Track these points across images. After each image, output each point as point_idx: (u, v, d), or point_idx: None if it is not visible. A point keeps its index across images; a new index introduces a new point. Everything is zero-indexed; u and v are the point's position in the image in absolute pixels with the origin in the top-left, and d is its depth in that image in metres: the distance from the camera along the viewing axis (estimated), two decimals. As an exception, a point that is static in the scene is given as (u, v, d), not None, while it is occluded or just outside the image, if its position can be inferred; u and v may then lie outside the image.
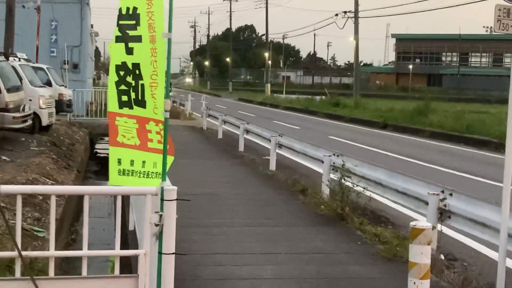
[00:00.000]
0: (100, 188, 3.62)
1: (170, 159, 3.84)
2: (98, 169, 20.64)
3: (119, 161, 4.13)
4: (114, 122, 4.15)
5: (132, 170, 4.03)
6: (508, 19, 5.80)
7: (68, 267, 7.78)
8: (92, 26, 37.05)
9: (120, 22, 3.99)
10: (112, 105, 4.14)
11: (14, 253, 3.37)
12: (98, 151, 24.31)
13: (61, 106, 21.08)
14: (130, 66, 3.96)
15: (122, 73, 4.01)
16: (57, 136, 18.20)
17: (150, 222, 3.55)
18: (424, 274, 4.00)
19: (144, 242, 3.58)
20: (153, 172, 3.96)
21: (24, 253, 3.38)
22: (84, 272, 3.51)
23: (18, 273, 3.44)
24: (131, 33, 3.92)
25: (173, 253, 3.57)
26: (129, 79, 3.96)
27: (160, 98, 3.75)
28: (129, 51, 3.96)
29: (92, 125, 23.74)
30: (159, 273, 3.58)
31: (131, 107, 3.95)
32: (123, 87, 4.02)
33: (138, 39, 3.88)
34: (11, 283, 3.39)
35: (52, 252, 3.50)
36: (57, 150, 15.64)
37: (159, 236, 3.56)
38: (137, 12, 3.86)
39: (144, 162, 3.93)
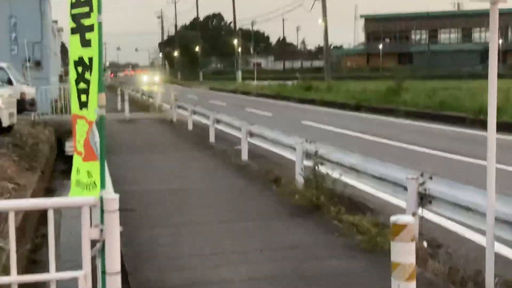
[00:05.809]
0: (26, 202, 3.09)
1: (94, 164, 3.29)
2: (66, 168, 19.97)
3: (78, 171, 3.59)
4: (75, 125, 3.60)
5: (83, 181, 3.48)
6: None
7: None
8: (56, 22, 36.05)
9: (73, 11, 3.43)
10: (74, 106, 3.57)
11: None
12: (67, 149, 23.56)
13: (24, 105, 20.30)
14: (87, 61, 3.41)
15: (80, 69, 3.46)
16: (19, 137, 17.48)
17: (90, 238, 3.04)
18: (410, 275, 3.52)
19: (83, 262, 3.06)
20: (88, 184, 3.39)
21: None
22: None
23: None
24: (86, 22, 3.37)
25: (118, 272, 3.06)
26: (87, 75, 3.40)
27: (94, 94, 3.19)
28: (86, 43, 3.40)
29: (59, 123, 22.89)
30: (104, 297, 3.07)
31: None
32: (82, 85, 3.46)
33: (92, 28, 3.30)
34: None
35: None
36: (19, 152, 14.97)
37: (101, 253, 3.04)
38: None
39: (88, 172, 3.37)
